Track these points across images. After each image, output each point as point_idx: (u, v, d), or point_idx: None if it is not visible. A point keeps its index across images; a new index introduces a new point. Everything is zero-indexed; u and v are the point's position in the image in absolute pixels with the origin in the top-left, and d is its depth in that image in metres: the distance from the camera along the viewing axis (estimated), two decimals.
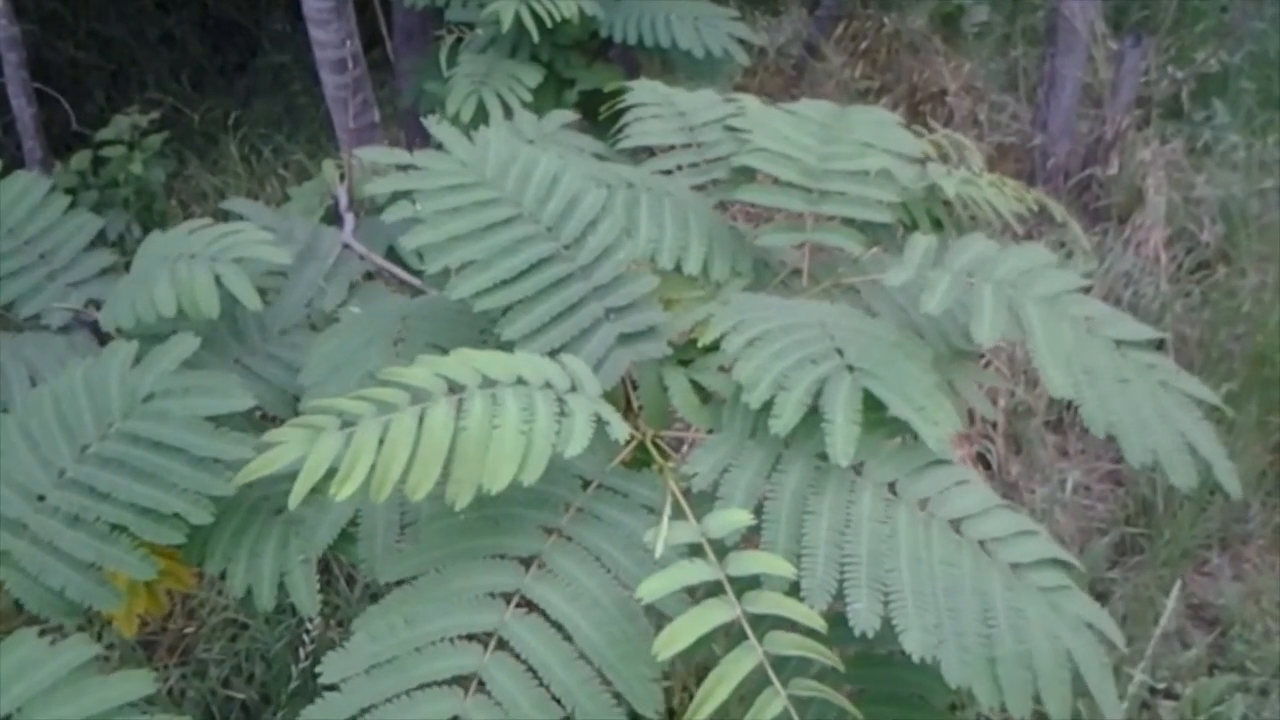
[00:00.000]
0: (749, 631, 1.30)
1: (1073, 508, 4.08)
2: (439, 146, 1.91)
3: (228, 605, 3.51)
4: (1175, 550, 3.85)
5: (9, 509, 1.58)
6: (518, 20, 3.51)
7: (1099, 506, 4.14)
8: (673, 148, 2.22)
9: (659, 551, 1.38)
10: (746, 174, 2.12)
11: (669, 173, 2.17)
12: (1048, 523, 3.83)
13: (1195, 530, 3.91)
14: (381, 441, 1.36)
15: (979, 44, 6.50)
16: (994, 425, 4.18)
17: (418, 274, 2.29)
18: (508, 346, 1.67)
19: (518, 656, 1.36)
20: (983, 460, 4.12)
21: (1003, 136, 5.84)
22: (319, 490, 1.34)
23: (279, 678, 3.33)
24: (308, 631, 3.23)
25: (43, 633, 1.37)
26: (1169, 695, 3.40)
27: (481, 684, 1.33)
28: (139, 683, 1.30)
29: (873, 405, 1.50)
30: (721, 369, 1.71)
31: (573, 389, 1.51)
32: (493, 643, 1.37)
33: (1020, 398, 4.32)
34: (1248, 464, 3.96)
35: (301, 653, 3.21)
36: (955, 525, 1.44)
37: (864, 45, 6.39)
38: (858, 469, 1.49)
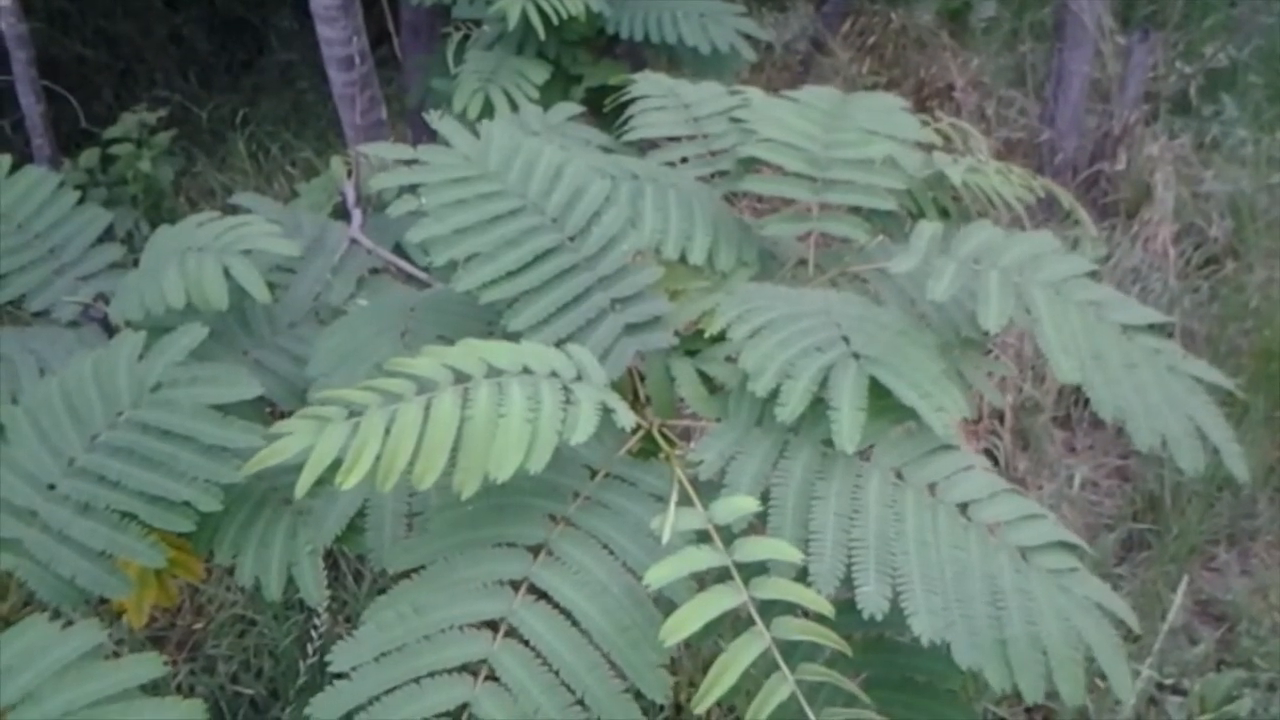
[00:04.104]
0: (756, 617, 1.30)
1: (1080, 503, 4.07)
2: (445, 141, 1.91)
3: (236, 601, 3.52)
4: (1183, 546, 3.84)
5: (20, 498, 1.59)
6: (524, 17, 3.51)
7: (1106, 502, 4.14)
8: (678, 140, 2.22)
9: (666, 538, 1.39)
10: (752, 165, 2.12)
11: (674, 165, 2.17)
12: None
13: (1203, 526, 3.91)
14: (388, 431, 1.36)
15: (987, 39, 6.49)
16: (1001, 420, 4.18)
17: (425, 268, 2.29)
18: (514, 338, 1.67)
19: (526, 643, 1.36)
20: (990, 456, 4.11)
21: (1010, 132, 5.83)
22: (327, 481, 1.35)
23: (287, 673, 3.34)
24: (315, 627, 3.24)
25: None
26: (1176, 691, 3.39)
27: (491, 671, 1.33)
28: (149, 666, 1.30)
29: (879, 392, 1.50)
30: (728, 359, 1.71)
31: (578, 378, 1.51)
32: (501, 630, 1.37)
33: (1028, 393, 4.31)
34: (1256, 459, 3.95)
35: (309, 648, 3.22)
36: (963, 509, 1.44)
37: (871, 41, 6.39)
38: (865, 455, 1.50)
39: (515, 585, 1.41)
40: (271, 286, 2.01)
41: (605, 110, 2.53)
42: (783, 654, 1.29)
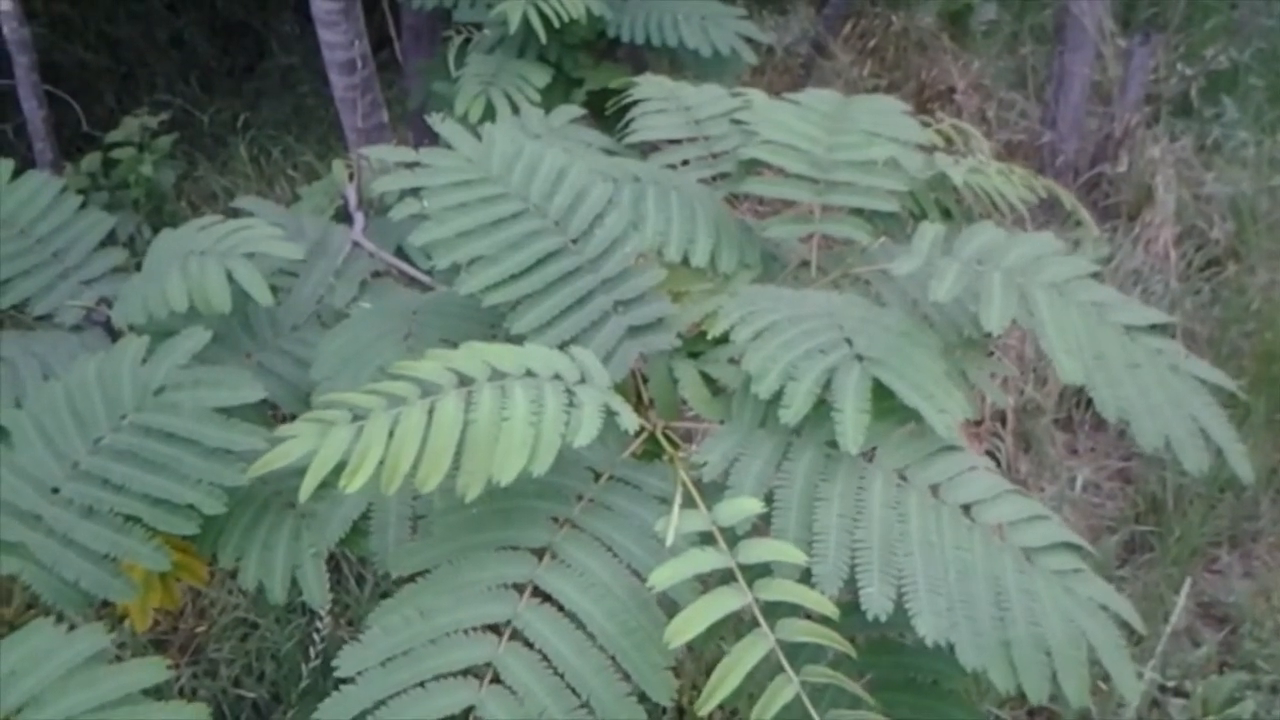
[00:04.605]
0: (760, 619, 1.30)
1: (1082, 506, 4.07)
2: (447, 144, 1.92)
3: (238, 604, 3.52)
4: (1185, 548, 3.84)
5: (24, 501, 1.59)
6: (525, 20, 3.52)
7: (1108, 504, 4.13)
8: (679, 142, 2.22)
9: (670, 540, 1.39)
10: (754, 167, 2.13)
11: (676, 167, 2.17)
12: None
13: (1205, 528, 3.90)
14: (391, 434, 1.36)
15: (987, 42, 6.50)
16: (1003, 423, 4.18)
17: (428, 272, 2.30)
18: (517, 340, 1.67)
19: (531, 646, 1.36)
20: (992, 458, 4.11)
21: (1011, 134, 5.83)
22: (331, 484, 1.35)
23: (289, 676, 3.34)
24: (318, 630, 3.24)
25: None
26: (1179, 693, 3.39)
27: (496, 674, 1.34)
28: (152, 670, 1.31)
29: (882, 393, 1.50)
30: (731, 361, 1.72)
31: (581, 380, 1.51)
32: (507, 633, 1.37)
33: (1029, 395, 4.31)
34: (1258, 461, 3.94)
35: (312, 651, 3.22)
36: (966, 510, 1.45)
37: (872, 43, 6.39)
38: (868, 456, 1.50)
39: (520, 588, 1.41)
40: (274, 290, 2.01)
41: (607, 113, 2.53)
42: (786, 656, 1.29)
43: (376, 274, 2.29)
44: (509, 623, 1.38)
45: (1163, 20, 6.45)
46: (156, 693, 1.33)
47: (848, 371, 1.51)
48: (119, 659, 1.35)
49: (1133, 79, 5.39)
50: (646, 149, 2.28)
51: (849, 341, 1.56)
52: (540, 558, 1.44)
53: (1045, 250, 1.77)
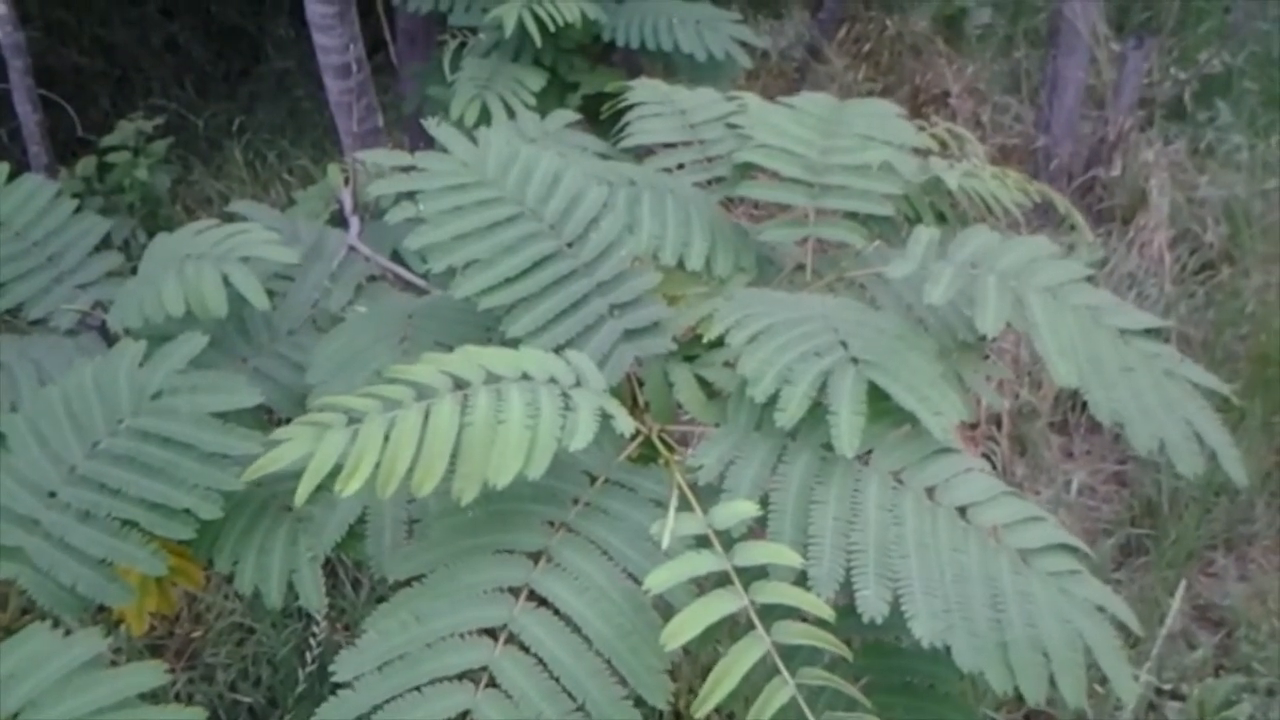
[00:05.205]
0: (756, 621, 1.30)
1: (1077, 509, 4.08)
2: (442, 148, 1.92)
3: (234, 609, 3.51)
4: (1180, 551, 3.84)
5: (21, 506, 1.59)
6: (521, 24, 3.53)
7: (1104, 508, 4.14)
8: (674, 146, 2.23)
9: (666, 543, 1.39)
10: (748, 171, 2.13)
11: (671, 171, 2.18)
12: None
13: (1200, 531, 3.91)
14: (387, 438, 1.36)
15: (981, 46, 6.50)
16: (998, 425, 4.18)
17: (424, 275, 2.30)
18: (513, 344, 1.67)
19: (527, 650, 1.36)
20: (987, 461, 4.11)
21: (1005, 138, 5.84)
22: (327, 488, 1.35)
23: (286, 681, 3.33)
24: (314, 635, 3.23)
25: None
26: (1175, 696, 3.39)
27: (492, 678, 1.34)
28: (150, 674, 1.31)
29: (878, 396, 1.50)
30: (726, 364, 1.72)
31: (577, 384, 1.51)
32: (502, 637, 1.37)
33: (1025, 398, 4.32)
34: (1252, 464, 3.95)
35: (308, 656, 3.22)
36: (962, 512, 1.45)
37: (867, 48, 6.41)
38: (863, 459, 1.50)
39: (515, 592, 1.41)
40: (270, 294, 2.01)
41: (602, 117, 2.54)
42: (782, 658, 1.29)
43: (372, 278, 2.28)
44: (505, 627, 1.38)
45: (1156, 24, 6.46)
46: (153, 697, 1.33)
47: (843, 374, 1.52)
48: (115, 664, 1.35)
49: (1126, 83, 5.40)
50: (642, 153, 2.28)
51: (844, 344, 1.56)
52: (536, 561, 1.44)
53: (1040, 254, 1.77)
